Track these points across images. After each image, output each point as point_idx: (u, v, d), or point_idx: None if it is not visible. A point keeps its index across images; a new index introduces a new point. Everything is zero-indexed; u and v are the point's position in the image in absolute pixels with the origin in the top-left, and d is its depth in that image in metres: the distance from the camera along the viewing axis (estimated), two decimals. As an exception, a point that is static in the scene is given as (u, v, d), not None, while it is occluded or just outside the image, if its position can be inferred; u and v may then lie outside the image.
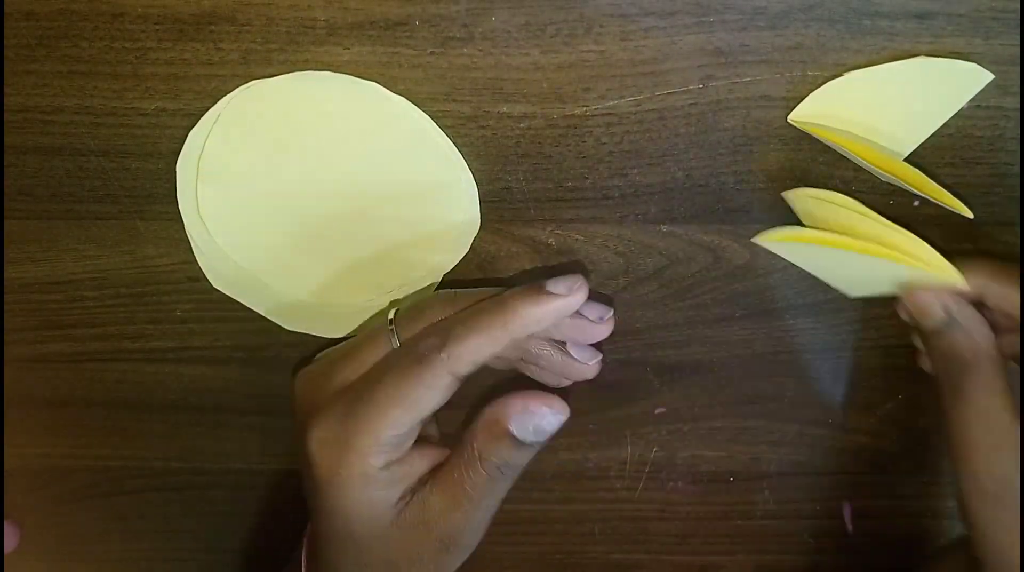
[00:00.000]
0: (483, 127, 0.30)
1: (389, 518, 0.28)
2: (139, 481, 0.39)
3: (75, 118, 0.30)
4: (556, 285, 0.28)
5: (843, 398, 0.36)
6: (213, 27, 0.28)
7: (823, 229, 0.30)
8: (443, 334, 0.28)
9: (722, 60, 0.29)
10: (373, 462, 0.28)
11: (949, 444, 0.28)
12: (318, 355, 0.33)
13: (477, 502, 0.29)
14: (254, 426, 0.37)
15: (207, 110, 0.30)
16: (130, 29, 0.28)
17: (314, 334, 0.34)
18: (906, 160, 0.30)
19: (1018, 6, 0.28)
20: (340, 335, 0.34)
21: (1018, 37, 0.28)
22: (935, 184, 0.29)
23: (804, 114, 0.30)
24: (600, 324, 0.30)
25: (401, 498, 0.29)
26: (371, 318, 0.34)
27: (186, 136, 0.30)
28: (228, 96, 0.30)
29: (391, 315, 0.30)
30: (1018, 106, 0.29)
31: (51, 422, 0.37)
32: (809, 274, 0.32)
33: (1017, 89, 0.29)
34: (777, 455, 0.37)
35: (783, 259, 0.32)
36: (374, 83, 0.29)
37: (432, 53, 0.29)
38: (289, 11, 0.28)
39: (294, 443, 0.31)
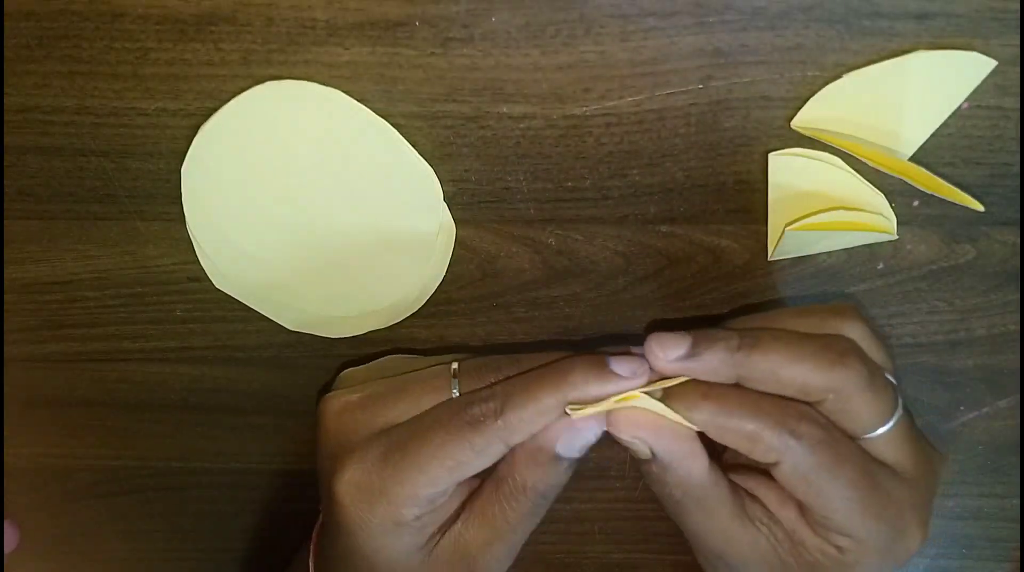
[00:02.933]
0: (483, 127, 0.30)
1: (418, 559, 0.28)
2: (139, 481, 0.39)
3: (75, 118, 0.30)
4: (620, 365, 0.27)
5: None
6: (213, 27, 0.28)
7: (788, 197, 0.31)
8: (501, 400, 0.27)
9: (722, 60, 0.29)
10: (406, 513, 0.27)
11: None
12: (343, 374, 0.33)
13: (518, 531, 0.28)
14: (254, 426, 0.37)
15: (207, 110, 0.30)
16: (130, 29, 0.28)
17: (317, 334, 0.34)
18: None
19: (1018, 6, 0.28)
20: (344, 336, 0.34)
21: (1018, 37, 0.28)
22: (940, 181, 0.29)
23: (807, 119, 0.30)
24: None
25: (431, 538, 0.28)
26: (426, 361, 0.33)
27: (186, 136, 0.30)
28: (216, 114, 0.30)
29: (455, 366, 0.29)
30: (1018, 106, 0.29)
31: (51, 422, 0.37)
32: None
33: (1017, 89, 0.29)
34: (777, 455, 0.37)
35: (783, 259, 0.32)
36: (337, 90, 0.29)
37: (432, 53, 0.29)
38: (289, 11, 0.28)
39: (319, 471, 0.30)
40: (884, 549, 0.27)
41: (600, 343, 0.35)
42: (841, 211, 0.31)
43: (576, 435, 0.27)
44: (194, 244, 0.32)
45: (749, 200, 0.32)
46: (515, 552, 0.29)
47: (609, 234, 0.32)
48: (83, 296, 0.34)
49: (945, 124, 0.30)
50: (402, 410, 0.29)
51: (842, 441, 0.27)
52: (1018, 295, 0.33)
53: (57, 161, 0.31)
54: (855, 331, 0.28)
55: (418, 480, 0.26)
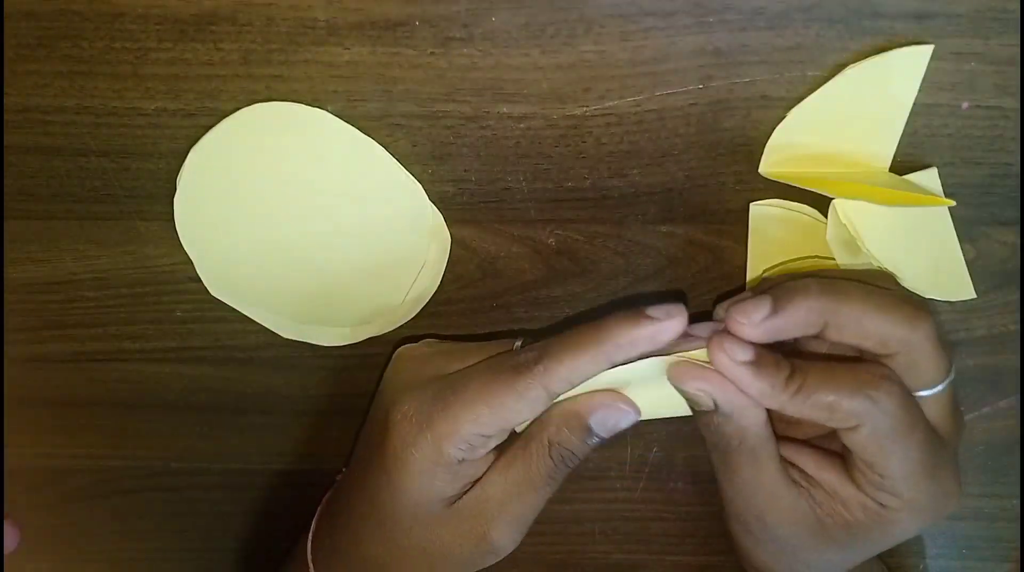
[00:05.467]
0: (483, 127, 0.30)
1: (440, 508, 0.29)
2: (139, 481, 0.39)
3: (75, 118, 0.30)
4: (655, 310, 0.27)
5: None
6: (213, 27, 0.28)
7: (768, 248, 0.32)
8: (542, 349, 0.28)
9: (722, 60, 0.29)
10: (447, 450, 0.28)
11: (723, 499, 0.30)
12: (400, 350, 0.33)
13: (534, 492, 0.29)
14: (254, 426, 0.37)
15: (207, 110, 0.30)
16: (130, 29, 0.28)
17: (311, 342, 0.34)
18: (904, 159, 0.30)
19: (1018, 6, 0.28)
20: (339, 344, 0.34)
21: (1018, 37, 0.28)
22: (906, 193, 0.29)
23: (772, 162, 0.30)
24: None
25: (458, 494, 0.29)
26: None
27: (186, 136, 0.30)
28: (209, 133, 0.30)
29: (517, 344, 0.31)
30: (1018, 106, 0.29)
31: (51, 422, 0.37)
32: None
33: (1017, 89, 0.29)
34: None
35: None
36: (324, 111, 0.30)
37: (432, 53, 0.29)
38: (289, 11, 0.28)
39: (372, 412, 0.32)
40: (924, 508, 0.28)
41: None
42: (815, 259, 0.32)
43: (611, 413, 0.28)
44: (191, 257, 0.32)
45: (749, 200, 0.32)
46: (527, 523, 0.30)
47: (609, 234, 0.32)
48: (83, 296, 0.34)
49: (945, 124, 0.30)
50: (459, 364, 0.30)
51: (914, 403, 0.27)
52: (1018, 295, 0.33)
53: (57, 161, 0.31)
54: (927, 335, 0.28)
55: (463, 417, 0.27)
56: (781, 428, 0.30)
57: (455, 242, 0.33)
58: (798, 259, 0.32)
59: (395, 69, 0.29)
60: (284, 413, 0.37)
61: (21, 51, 0.29)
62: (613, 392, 0.28)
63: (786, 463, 0.29)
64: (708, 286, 0.33)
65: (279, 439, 0.38)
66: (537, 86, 0.29)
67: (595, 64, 0.29)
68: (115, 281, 0.34)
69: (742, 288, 0.33)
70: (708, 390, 0.27)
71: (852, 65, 0.28)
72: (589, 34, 0.28)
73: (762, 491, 0.29)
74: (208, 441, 0.38)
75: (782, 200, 0.31)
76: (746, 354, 0.26)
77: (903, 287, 0.30)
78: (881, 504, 0.28)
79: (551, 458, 0.28)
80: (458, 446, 0.28)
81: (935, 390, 0.28)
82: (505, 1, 0.28)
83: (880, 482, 0.27)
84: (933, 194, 0.30)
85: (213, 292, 0.33)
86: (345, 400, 0.36)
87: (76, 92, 0.30)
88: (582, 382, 0.27)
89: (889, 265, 0.30)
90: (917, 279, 0.31)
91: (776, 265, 0.32)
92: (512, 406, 0.27)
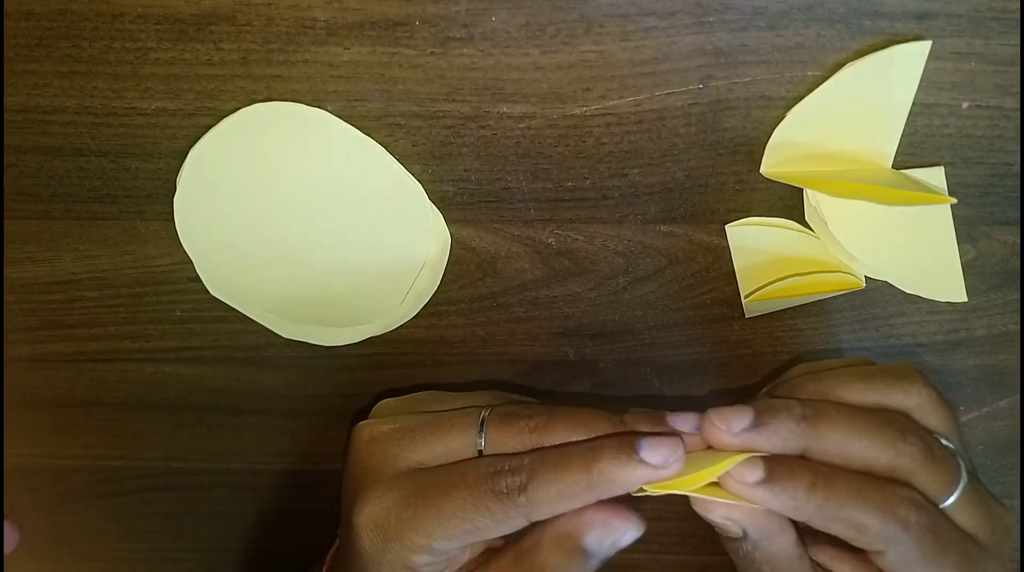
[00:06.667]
0: (483, 127, 0.30)
1: None
2: (139, 481, 0.39)
3: (75, 118, 0.30)
4: (652, 453, 0.25)
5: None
6: (213, 27, 0.28)
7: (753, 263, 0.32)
8: (527, 475, 0.26)
9: (722, 60, 0.29)
10: (416, 560, 0.27)
11: None
12: (380, 405, 0.32)
13: None
14: (254, 426, 0.37)
15: (207, 110, 0.30)
16: (130, 29, 0.28)
17: (311, 342, 0.34)
18: (904, 159, 0.30)
19: (1018, 6, 0.28)
20: (339, 344, 0.34)
21: (1018, 37, 0.28)
22: (906, 192, 0.29)
23: (773, 162, 0.30)
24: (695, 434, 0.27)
25: None
26: (462, 398, 0.32)
27: (186, 136, 0.30)
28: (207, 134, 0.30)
29: (484, 414, 0.29)
30: (1018, 106, 0.29)
31: (51, 422, 0.37)
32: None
33: (1017, 89, 0.29)
34: (777, 455, 0.37)
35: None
36: (324, 111, 0.30)
37: (432, 53, 0.29)
38: (289, 11, 0.28)
39: (343, 494, 0.30)
40: None
41: (611, 356, 0.35)
42: (797, 277, 0.32)
43: (608, 532, 0.27)
44: (191, 257, 0.32)
45: (749, 200, 0.32)
46: None
47: (609, 234, 0.32)
48: (83, 296, 0.34)
49: (945, 124, 0.30)
50: (429, 449, 0.28)
51: (944, 524, 0.27)
52: (1018, 295, 0.33)
53: (57, 161, 0.31)
54: (920, 396, 0.28)
55: (434, 532, 0.26)
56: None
57: (455, 242, 0.33)
58: (786, 277, 0.32)
59: (395, 69, 0.29)
60: (284, 413, 0.37)
61: (21, 51, 0.29)
62: (609, 506, 0.27)
63: (820, 570, 0.28)
64: (708, 286, 0.33)
65: (279, 439, 0.38)
66: (537, 86, 0.29)
67: (595, 64, 0.29)
68: (115, 281, 0.34)
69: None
70: (736, 518, 0.26)
71: (851, 63, 0.28)
72: (589, 34, 0.28)
73: None
74: (208, 441, 0.38)
75: (757, 217, 0.32)
76: (755, 475, 0.25)
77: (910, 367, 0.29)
78: None
79: None
80: (428, 556, 0.27)
81: (949, 501, 0.27)
82: (505, 1, 0.28)
83: None
84: (937, 192, 0.30)
85: (213, 292, 0.33)
86: (345, 400, 0.36)
87: (75, 92, 0.30)
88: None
89: (877, 262, 0.30)
90: (908, 276, 0.31)
91: (767, 283, 0.32)
92: (488, 529, 0.26)
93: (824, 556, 0.28)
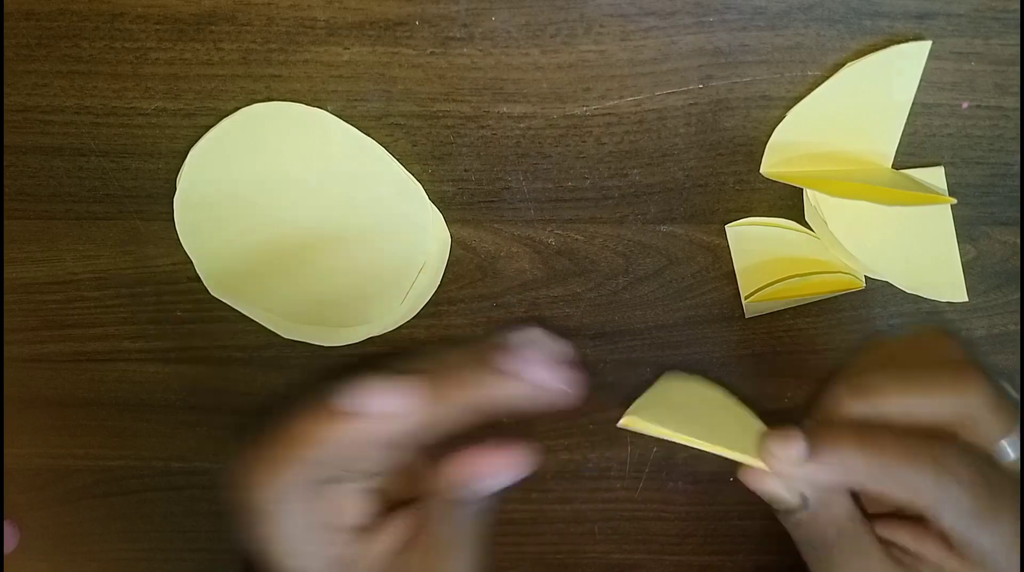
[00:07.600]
0: (483, 127, 0.30)
1: None
2: (139, 481, 0.39)
3: (75, 118, 0.30)
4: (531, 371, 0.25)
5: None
6: (213, 27, 0.28)
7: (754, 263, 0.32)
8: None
9: (722, 60, 0.29)
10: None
11: None
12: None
13: (455, 553, 0.27)
14: (254, 426, 0.37)
15: (207, 110, 0.30)
16: (130, 29, 0.28)
17: (311, 342, 0.34)
18: (905, 159, 0.30)
19: (1018, 6, 0.28)
20: (339, 344, 0.34)
21: (1018, 37, 0.28)
22: (906, 192, 0.29)
23: (773, 162, 0.30)
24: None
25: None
26: None
27: (186, 136, 0.30)
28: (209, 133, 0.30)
29: None
30: (1018, 106, 0.29)
31: (51, 422, 0.37)
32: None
33: (1017, 89, 0.29)
34: (777, 455, 0.37)
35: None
36: (324, 111, 0.30)
37: (432, 53, 0.29)
38: (289, 11, 0.28)
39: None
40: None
41: (599, 343, 0.35)
42: (797, 278, 0.32)
43: (487, 477, 0.26)
44: (191, 257, 0.32)
45: (749, 200, 0.32)
46: None
47: (609, 234, 0.32)
48: (83, 296, 0.34)
49: (945, 124, 0.30)
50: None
51: (995, 474, 0.26)
52: (1018, 295, 0.33)
53: (57, 161, 0.31)
54: (980, 396, 0.26)
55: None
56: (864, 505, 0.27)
57: (455, 242, 0.33)
58: (787, 278, 0.32)
59: (395, 69, 0.29)
60: (284, 413, 0.37)
61: (21, 51, 0.29)
62: (492, 449, 0.26)
63: (885, 543, 0.27)
64: (708, 286, 0.33)
65: (279, 439, 0.37)
66: (537, 86, 0.29)
67: (595, 64, 0.29)
68: (115, 281, 0.34)
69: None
70: (797, 486, 0.25)
71: (851, 63, 0.28)
72: (589, 34, 0.28)
73: None
74: (208, 441, 0.38)
75: (757, 217, 0.32)
76: (799, 450, 0.24)
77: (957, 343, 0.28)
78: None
79: (454, 527, 0.27)
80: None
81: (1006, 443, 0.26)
82: (505, 1, 0.28)
83: (983, 558, 0.26)
84: (937, 192, 0.30)
85: (213, 292, 0.33)
86: (345, 400, 0.36)
87: (76, 92, 0.30)
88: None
89: (877, 262, 0.30)
90: (908, 276, 0.31)
91: (767, 283, 0.32)
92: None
93: (884, 530, 0.27)
